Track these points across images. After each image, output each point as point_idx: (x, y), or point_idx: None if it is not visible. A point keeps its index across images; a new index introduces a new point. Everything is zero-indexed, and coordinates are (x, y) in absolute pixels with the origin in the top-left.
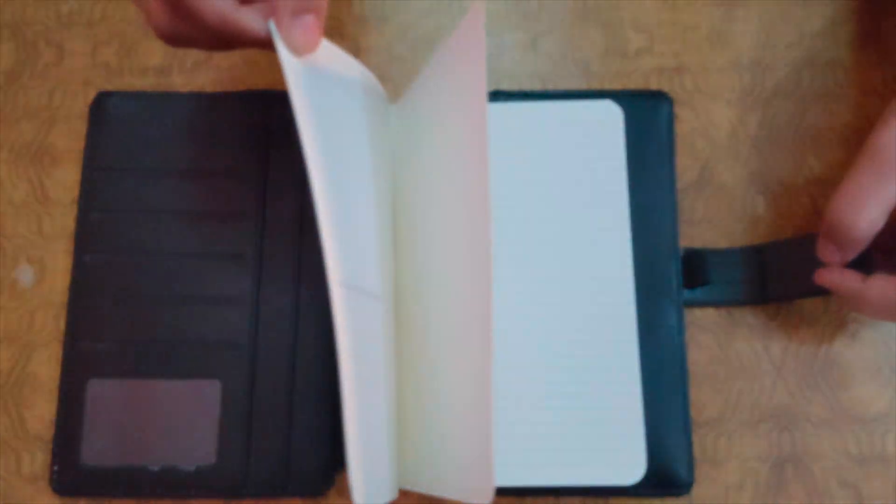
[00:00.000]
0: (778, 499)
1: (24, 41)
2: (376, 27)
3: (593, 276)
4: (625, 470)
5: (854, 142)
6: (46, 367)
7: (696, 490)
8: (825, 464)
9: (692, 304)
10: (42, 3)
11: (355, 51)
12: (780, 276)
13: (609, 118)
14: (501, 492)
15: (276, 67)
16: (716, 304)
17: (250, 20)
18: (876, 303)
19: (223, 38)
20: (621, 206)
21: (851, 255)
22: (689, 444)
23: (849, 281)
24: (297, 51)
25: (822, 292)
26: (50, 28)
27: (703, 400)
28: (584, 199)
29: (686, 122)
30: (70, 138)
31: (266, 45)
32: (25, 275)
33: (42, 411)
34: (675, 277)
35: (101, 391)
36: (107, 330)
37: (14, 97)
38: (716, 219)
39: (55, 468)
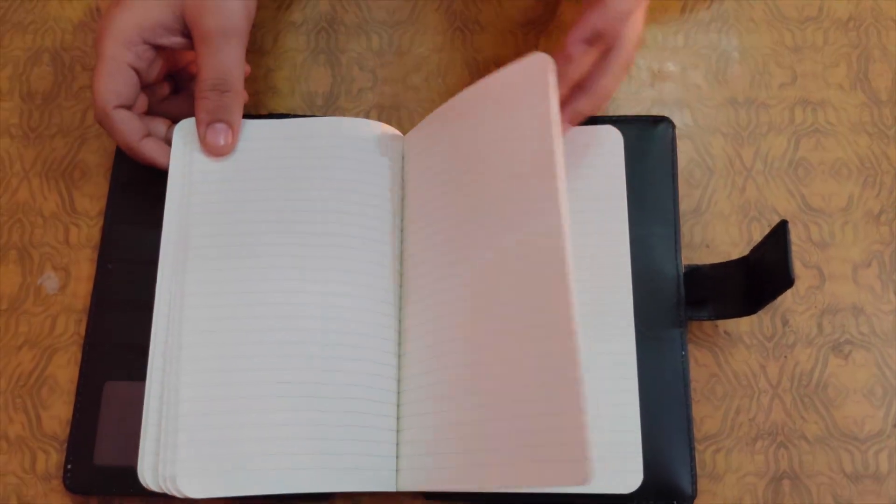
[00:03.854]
0: None
1: (62, 65)
2: (394, 59)
3: (593, 289)
4: (621, 479)
5: (845, 174)
6: (65, 370)
7: (696, 503)
8: (820, 480)
9: (695, 318)
10: (80, 32)
11: (374, 81)
12: (762, 275)
13: (609, 141)
14: (498, 500)
15: (296, 93)
16: (717, 317)
17: (150, 150)
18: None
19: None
20: (621, 228)
21: None
22: (693, 458)
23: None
24: (211, 153)
25: (789, 284)
26: (87, 54)
27: (702, 415)
28: (585, 218)
29: (685, 154)
30: (100, 155)
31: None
32: (50, 282)
33: (59, 412)
34: (676, 293)
35: (117, 393)
36: (125, 335)
37: (50, 116)
38: (714, 243)
39: (69, 467)
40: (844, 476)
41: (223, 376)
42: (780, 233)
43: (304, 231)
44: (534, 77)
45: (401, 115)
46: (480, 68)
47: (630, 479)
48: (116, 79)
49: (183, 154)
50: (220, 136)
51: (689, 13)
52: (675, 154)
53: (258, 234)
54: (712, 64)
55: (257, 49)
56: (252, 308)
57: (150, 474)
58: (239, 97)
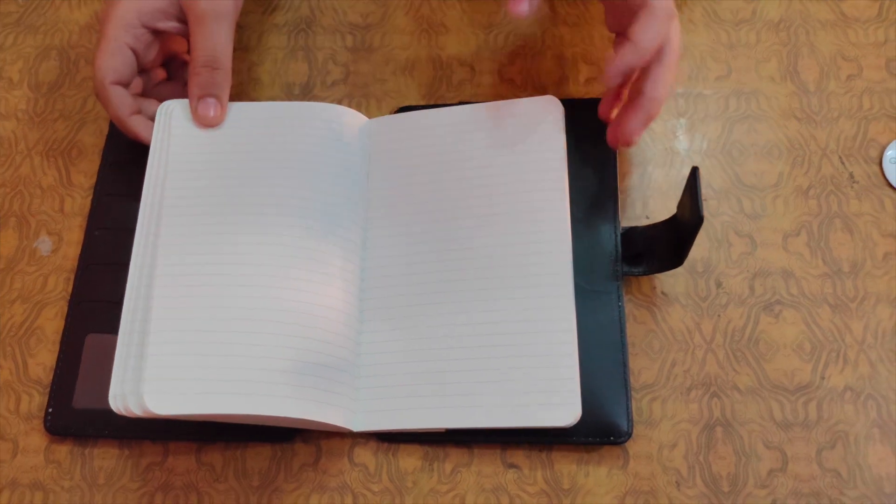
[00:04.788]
0: (708, 457)
1: (67, 60)
2: (365, 56)
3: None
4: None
5: (776, 154)
6: (52, 323)
7: (632, 446)
8: (752, 427)
9: (631, 274)
10: (86, 32)
11: (346, 73)
12: (682, 224)
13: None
14: (449, 437)
15: (276, 84)
16: (650, 271)
17: (136, 125)
18: (650, 43)
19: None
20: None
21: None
22: (629, 398)
23: (627, 51)
24: (202, 123)
25: (699, 221)
26: (90, 51)
27: (640, 367)
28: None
29: None
30: (96, 136)
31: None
32: (45, 245)
33: (44, 359)
34: (614, 251)
35: (97, 344)
36: (107, 293)
37: (54, 102)
38: (653, 215)
39: (49, 409)
40: (775, 424)
41: (193, 304)
42: (691, 178)
43: (272, 196)
44: (549, 115)
45: (369, 103)
46: (443, 64)
47: (570, 413)
48: (115, 57)
49: (164, 129)
50: (210, 108)
51: None
52: None
53: (230, 196)
54: None
55: (243, 47)
56: (221, 255)
57: (119, 398)
58: (227, 75)
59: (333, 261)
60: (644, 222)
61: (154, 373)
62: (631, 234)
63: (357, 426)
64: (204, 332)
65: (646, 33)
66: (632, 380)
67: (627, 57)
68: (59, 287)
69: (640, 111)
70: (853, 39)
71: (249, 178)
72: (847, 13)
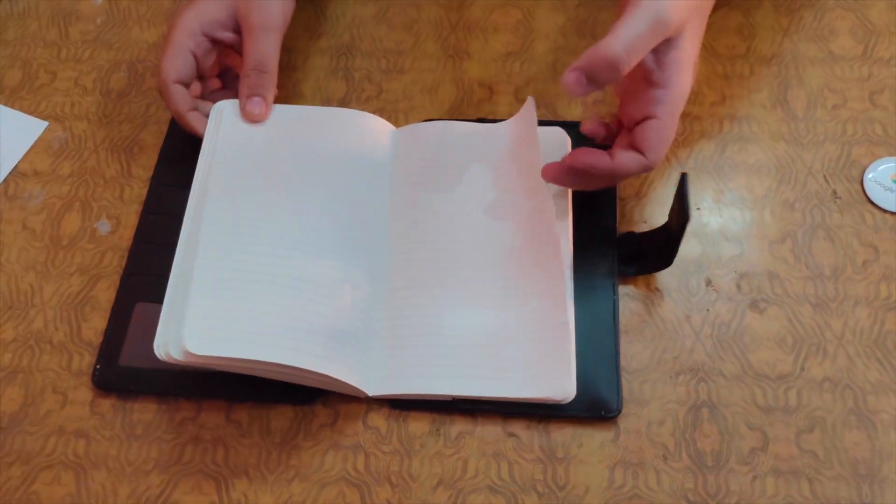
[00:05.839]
0: (694, 435)
1: (135, 72)
2: (396, 77)
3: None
4: (557, 387)
5: (765, 171)
6: (105, 293)
7: (623, 423)
8: (735, 410)
9: (626, 274)
10: (153, 49)
11: (379, 91)
12: (671, 227)
13: (556, 140)
14: (455, 407)
15: (317, 98)
16: (642, 271)
17: (193, 120)
18: (621, 173)
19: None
20: (566, 194)
21: (599, 87)
22: (619, 379)
23: (602, 159)
24: (249, 119)
25: (686, 219)
26: (156, 65)
27: (632, 353)
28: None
29: None
30: (155, 136)
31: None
32: (104, 226)
33: (96, 324)
34: (611, 252)
35: (145, 312)
36: (156, 267)
37: (121, 108)
38: (650, 220)
39: (98, 366)
40: (757, 407)
41: (229, 269)
42: (680, 182)
43: (306, 184)
44: (555, 142)
45: (398, 117)
46: (465, 85)
47: (565, 388)
48: (178, 59)
49: (215, 127)
50: (256, 106)
51: None
52: None
53: (269, 181)
54: None
55: (291, 66)
56: (257, 229)
57: (161, 347)
58: (273, 78)
59: (356, 245)
60: (642, 226)
61: (194, 321)
62: (627, 238)
63: (372, 390)
64: (238, 290)
65: (658, 155)
66: (624, 364)
67: (633, 167)
68: (114, 263)
69: (570, 179)
70: (839, 74)
71: (287, 168)
72: (834, 52)
